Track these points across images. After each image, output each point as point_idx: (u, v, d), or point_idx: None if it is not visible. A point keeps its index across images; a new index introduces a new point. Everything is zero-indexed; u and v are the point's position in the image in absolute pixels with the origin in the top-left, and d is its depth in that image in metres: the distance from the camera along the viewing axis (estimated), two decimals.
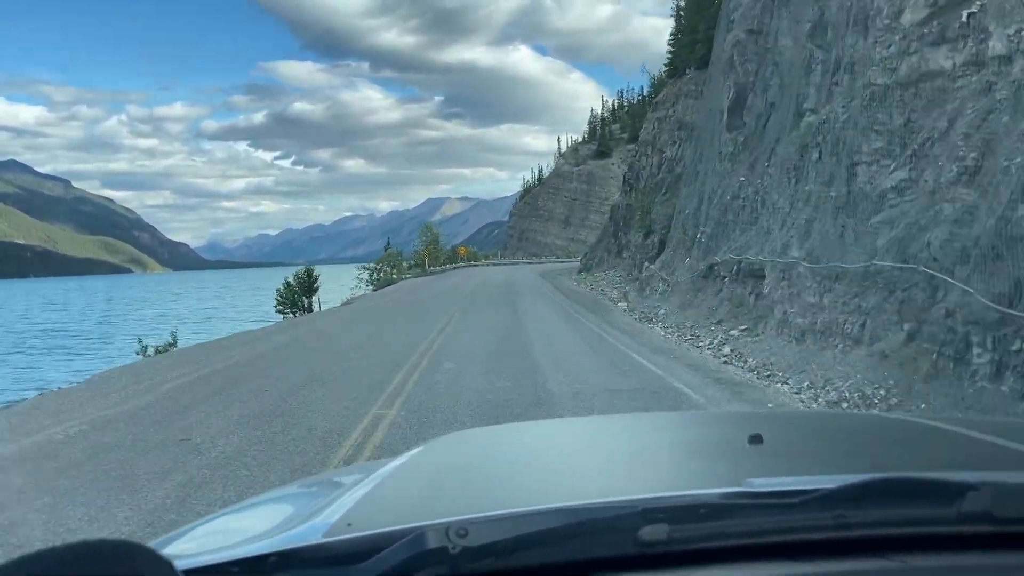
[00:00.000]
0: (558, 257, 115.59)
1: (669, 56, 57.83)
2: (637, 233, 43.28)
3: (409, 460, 1.74)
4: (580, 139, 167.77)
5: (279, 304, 32.48)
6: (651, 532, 1.01)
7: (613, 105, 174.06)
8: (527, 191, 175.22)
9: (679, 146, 43.75)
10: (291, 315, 31.45)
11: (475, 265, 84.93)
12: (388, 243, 55.72)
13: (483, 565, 0.99)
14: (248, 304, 70.14)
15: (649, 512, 1.05)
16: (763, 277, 13.16)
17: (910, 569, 1.01)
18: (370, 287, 46.94)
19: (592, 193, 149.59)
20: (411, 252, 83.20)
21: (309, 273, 33.78)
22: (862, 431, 2.06)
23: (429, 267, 62.44)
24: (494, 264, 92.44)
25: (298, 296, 32.53)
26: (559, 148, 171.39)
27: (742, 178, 15.36)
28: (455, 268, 75.17)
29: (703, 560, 1.02)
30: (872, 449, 1.77)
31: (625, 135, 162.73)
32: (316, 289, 33.79)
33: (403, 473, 1.61)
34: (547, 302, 26.22)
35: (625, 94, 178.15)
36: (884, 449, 1.76)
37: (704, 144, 22.67)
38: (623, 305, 24.29)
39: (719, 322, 14.31)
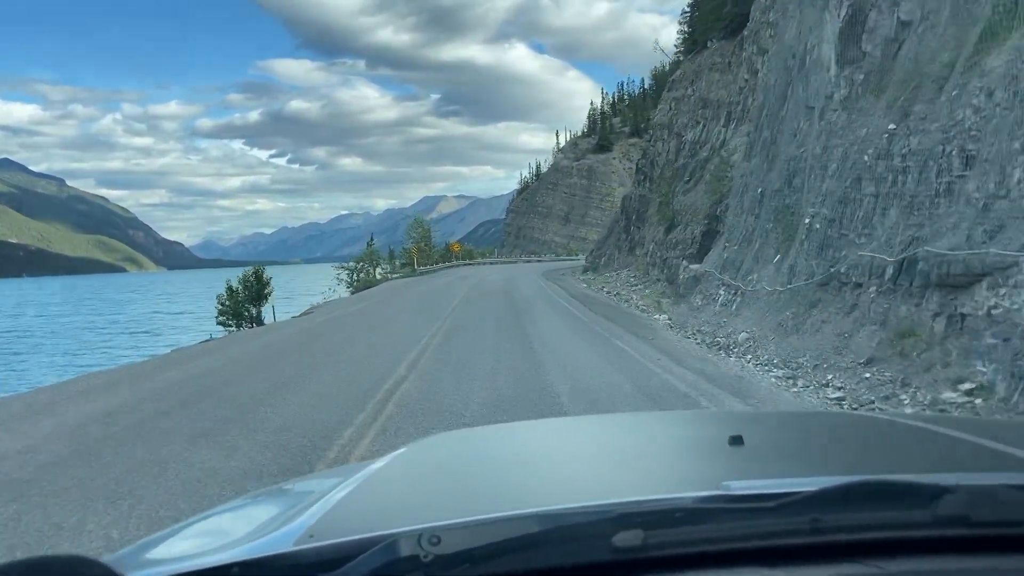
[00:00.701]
0: (557, 255, 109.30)
1: (687, 32, 51.80)
2: (656, 227, 37.36)
3: (387, 464, 1.71)
4: (580, 133, 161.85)
5: (221, 315, 26.35)
6: (625, 538, 1.00)
7: (613, 98, 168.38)
8: (525, 187, 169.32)
9: (703, 127, 37.77)
10: (234, 328, 25.28)
11: (470, 264, 78.95)
12: (371, 240, 49.52)
13: (457, 572, 0.97)
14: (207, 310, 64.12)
15: (624, 517, 1.04)
16: (969, 286, 7.31)
17: (885, 574, 0.99)
18: (349, 289, 41.24)
19: (593, 188, 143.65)
20: (402, 250, 77.38)
21: (259, 276, 27.35)
22: (845, 431, 2.07)
23: (418, 267, 56.48)
24: (491, 263, 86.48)
25: (242, 305, 26.29)
26: (557, 142, 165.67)
27: (891, 126, 9.45)
28: (448, 267, 69.22)
29: (678, 566, 1.01)
30: (852, 450, 1.77)
31: (627, 128, 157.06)
32: (267, 296, 27.54)
33: (380, 478, 1.58)
34: (562, 314, 20.15)
35: (625, 87, 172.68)
36: (864, 450, 1.76)
37: (775, 102, 16.68)
38: (661, 318, 18.37)
39: (868, 362, 8.46)
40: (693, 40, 47.57)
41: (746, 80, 29.44)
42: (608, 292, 31.44)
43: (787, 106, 15.38)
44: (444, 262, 73.67)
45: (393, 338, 15.43)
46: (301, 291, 54.76)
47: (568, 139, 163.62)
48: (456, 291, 31.98)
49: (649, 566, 1.01)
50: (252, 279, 26.99)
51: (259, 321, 25.98)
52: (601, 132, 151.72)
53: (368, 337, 16.20)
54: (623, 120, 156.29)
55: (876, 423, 2.27)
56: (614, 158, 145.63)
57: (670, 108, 45.15)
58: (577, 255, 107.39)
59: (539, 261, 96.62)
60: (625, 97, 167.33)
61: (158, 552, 1.34)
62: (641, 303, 24.18)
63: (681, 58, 52.67)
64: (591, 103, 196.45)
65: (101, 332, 44.79)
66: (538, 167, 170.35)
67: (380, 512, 1.36)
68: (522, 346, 13.03)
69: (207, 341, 19.57)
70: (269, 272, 29.28)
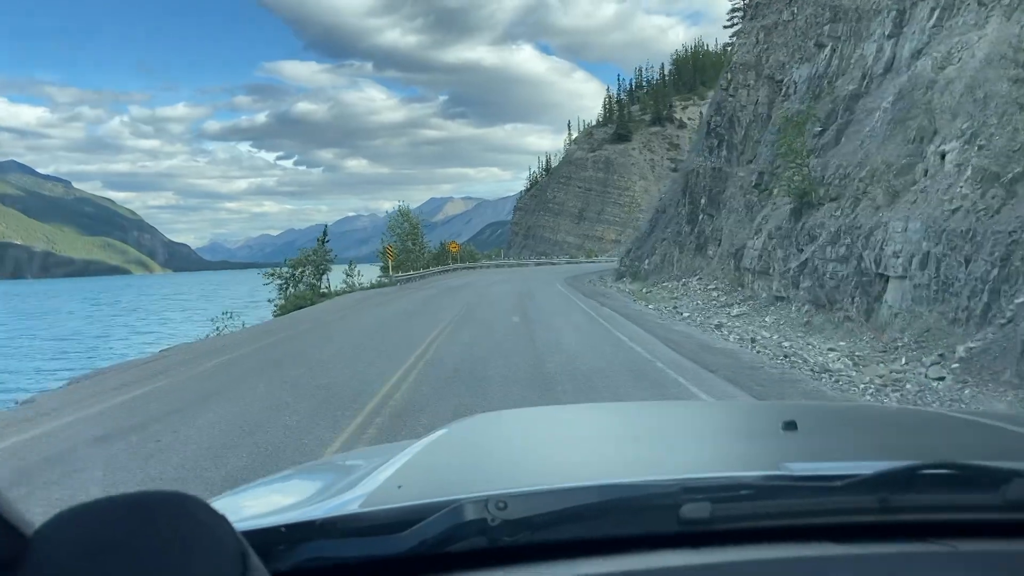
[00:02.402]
0: (572, 257, 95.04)
1: None
2: (765, 211, 23.18)
3: (439, 438, 1.71)
4: (594, 122, 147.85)
5: None
6: (693, 510, 1.01)
7: (631, 85, 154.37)
8: (534, 183, 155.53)
9: (834, 50, 23.56)
10: None
11: (472, 268, 64.97)
12: (324, 235, 35.08)
13: (522, 538, 0.99)
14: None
15: (690, 491, 1.04)
16: None
17: (958, 554, 0.99)
18: (275, 310, 27.51)
19: (610, 182, 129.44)
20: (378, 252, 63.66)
21: None
22: (898, 422, 2.05)
23: (395, 272, 42.40)
24: (496, 266, 72.51)
25: None
26: (569, 133, 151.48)
27: None
28: (444, 272, 55.20)
29: (744, 540, 1.01)
30: (910, 439, 1.75)
31: (647, 116, 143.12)
32: None
33: (436, 450, 1.59)
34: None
35: (644, 73, 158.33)
36: (923, 439, 1.74)
37: None
38: None
39: None
40: None
41: None
42: (701, 323, 17.26)
43: None
44: (440, 264, 59.89)
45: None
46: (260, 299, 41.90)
47: (582, 128, 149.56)
48: (421, 327, 17.67)
49: (715, 539, 1.01)
50: None
51: None
52: (619, 120, 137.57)
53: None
54: (643, 108, 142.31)
55: (928, 416, 2.36)
56: (634, 148, 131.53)
57: (756, 42, 30.82)
58: (596, 257, 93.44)
59: (551, 263, 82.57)
60: (644, 84, 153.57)
61: (241, 507, 1.37)
62: (838, 360, 10.20)
63: None
64: (607, 88, 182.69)
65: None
66: (548, 160, 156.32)
67: (444, 480, 1.35)
68: None
69: None
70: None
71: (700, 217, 30.85)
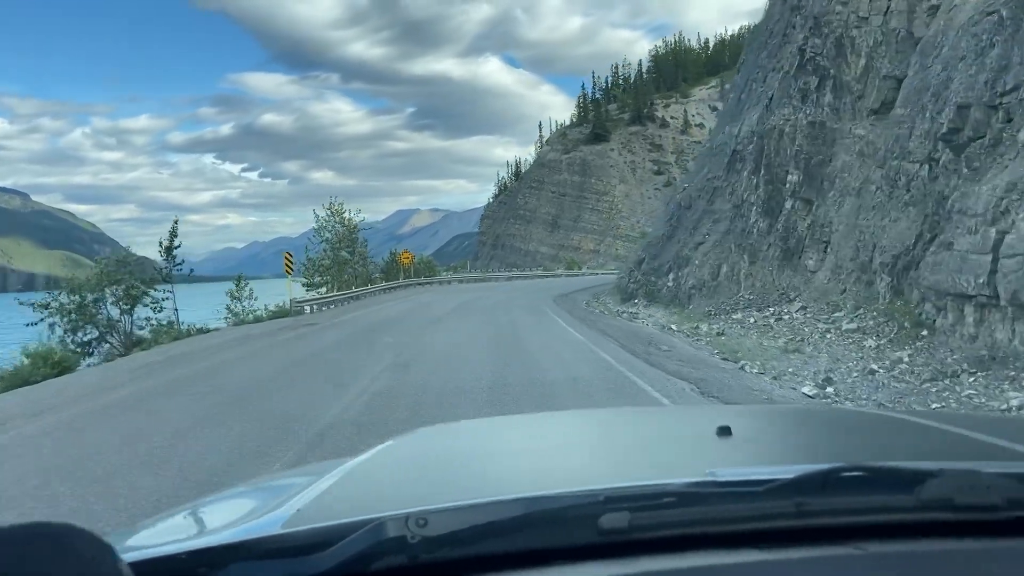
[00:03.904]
0: (547, 269, 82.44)
1: None
2: (990, 180, 10.65)
3: (374, 455, 1.71)
4: (568, 122, 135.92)
5: None
6: (612, 520, 1.01)
7: (607, 83, 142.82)
8: (503, 188, 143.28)
9: None
10: None
11: (427, 283, 52.41)
12: (173, 235, 22.58)
13: (442, 554, 0.99)
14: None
15: (612, 501, 1.04)
16: None
17: (868, 555, 1.01)
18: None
19: (587, 186, 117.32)
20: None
21: None
22: (833, 424, 2.05)
23: (310, 293, 29.80)
24: (460, 282, 60.02)
25: None
26: (541, 134, 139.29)
27: None
28: (389, 290, 42.70)
29: (666, 548, 1.01)
30: (839, 440, 1.77)
31: (625, 115, 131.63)
32: None
33: (366, 467, 1.59)
34: None
35: (621, 70, 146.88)
36: (851, 440, 1.76)
37: None
38: None
39: None
40: None
41: None
42: None
43: None
44: (389, 279, 47.40)
45: None
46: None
47: (555, 129, 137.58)
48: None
49: (637, 549, 1.01)
50: None
51: None
52: (596, 120, 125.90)
53: None
54: (621, 106, 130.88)
55: (864, 416, 2.33)
56: (612, 150, 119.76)
57: None
58: (579, 269, 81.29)
59: (523, 277, 70.30)
60: (620, 82, 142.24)
61: (149, 536, 1.34)
62: None
63: None
64: (582, 86, 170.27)
65: None
66: (518, 164, 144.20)
67: (367, 498, 1.36)
68: None
69: None
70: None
71: (789, 205, 18.76)
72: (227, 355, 13.95)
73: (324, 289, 39.30)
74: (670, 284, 27.33)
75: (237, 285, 26.87)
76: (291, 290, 26.53)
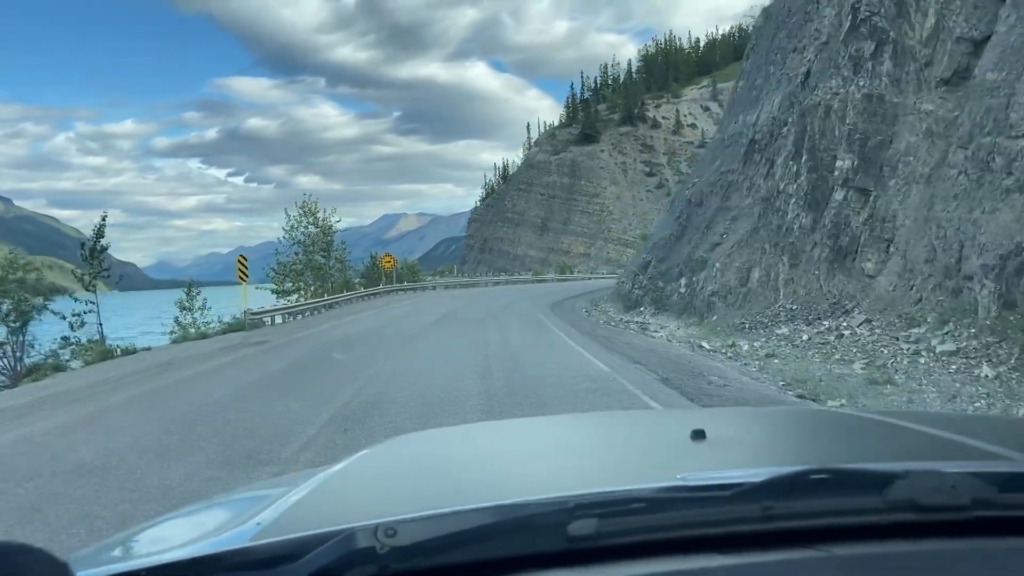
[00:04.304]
0: (537, 273, 78.99)
1: None
2: None
3: (347, 465, 1.69)
4: (556, 122, 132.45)
5: None
6: (579, 527, 1.01)
7: (596, 83, 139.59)
8: (490, 191, 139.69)
9: None
10: None
11: (410, 289, 48.97)
12: (98, 234, 19.13)
13: (412, 564, 0.98)
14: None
15: (580, 508, 1.03)
16: None
17: (834, 558, 1.01)
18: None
19: (576, 188, 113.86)
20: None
21: None
22: (806, 425, 2.06)
23: (282, 299, 26.12)
24: (445, 287, 56.60)
25: None
26: (529, 135, 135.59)
27: None
28: (367, 297, 39.39)
29: (635, 554, 1.02)
30: (811, 442, 1.78)
31: (616, 115, 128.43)
32: None
33: (338, 478, 1.58)
34: None
35: (610, 69, 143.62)
36: (822, 441, 1.77)
37: None
38: None
39: None
40: None
41: None
42: None
43: None
44: (371, 284, 43.96)
45: None
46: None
47: (544, 130, 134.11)
48: None
49: (607, 555, 1.01)
50: None
51: None
52: (585, 120, 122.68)
53: None
54: (611, 106, 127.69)
55: (842, 417, 2.27)
56: (602, 150, 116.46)
57: None
58: (571, 272, 77.83)
59: (511, 281, 67.06)
60: (609, 82, 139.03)
61: (114, 553, 1.33)
62: None
63: None
64: (571, 85, 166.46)
65: None
66: (505, 167, 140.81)
67: (337, 509, 1.34)
68: None
69: None
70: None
71: (840, 196, 15.55)
72: (112, 399, 10.39)
73: (296, 297, 35.90)
74: (682, 290, 24.12)
75: (188, 294, 23.38)
76: (246, 299, 22.85)
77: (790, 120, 18.48)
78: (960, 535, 1.05)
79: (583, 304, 32.39)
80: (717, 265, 20.49)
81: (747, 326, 16.11)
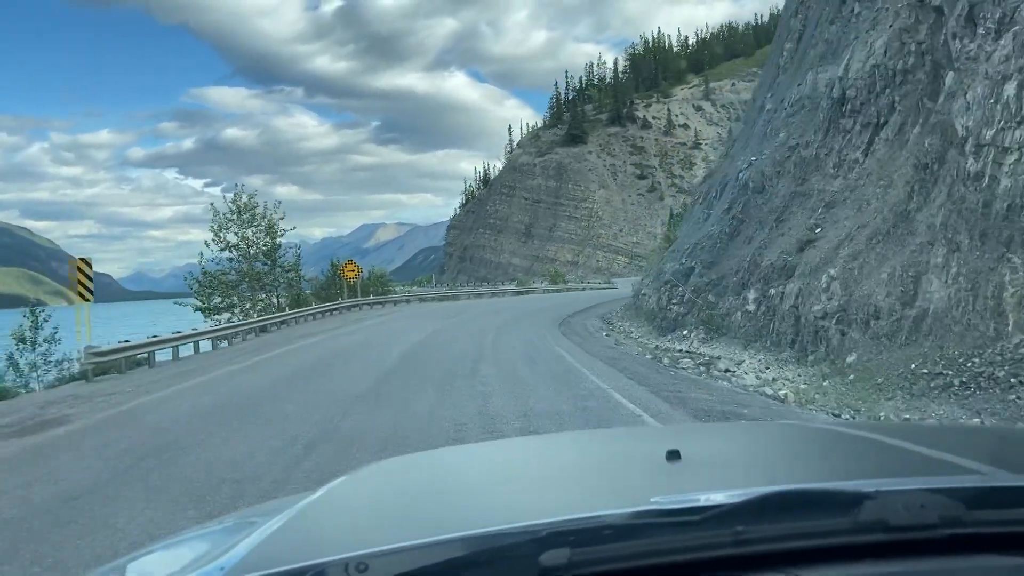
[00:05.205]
0: (521, 284, 71.61)
1: None
2: None
3: (322, 495, 1.68)
4: (540, 123, 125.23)
5: None
6: (551, 557, 1.00)
7: (581, 82, 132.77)
8: (471, 196, 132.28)
9: None
10: None
11: (376, 303, 41.48)
12: None
13: None
14: None
15: (552, 536, 1.03)
16: None
17: None
18: None
19: (563, 192, 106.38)
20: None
21: None
22: (780, 442, 2.04)
23: (91, 360, 18.75)
24: (420, 300, 49.09)
25: None
26: (511, 138, 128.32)
27: None
28: (318, 315, 32.05)
29: None
30: (785, 460, 1.78)
31: (604, 115, 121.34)
32: None
33: (313, 509, 1.56)
34: None
35: (595, 68, 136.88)
36: (797, 460, 1.78)
37: None
38: None
39: None
40: None
41: None
42: None
43: None
44: (329, 299, 36.56)
45: None
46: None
47: (527, 131, 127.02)
48: None
49: None
50: None
51: None
52: (571, 120, 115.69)
53: None
54: (598, 106, 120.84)
55: (817, 433, 2.26)
56: (590, 152, 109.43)
57: None
58: (563, 282, 70.68)
59: (496, 293, 59.79)
60: (596, 81, 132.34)
61: None
62: None
63: None
64: (555, 84, 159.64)
65: None
66: (487, 171, 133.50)
67: (310, 543, 1.33)
68: None
69: None
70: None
71: None
72: None
73: (228, 316, 28.40)
74: (750, 307, 16.93)
75: (32, 317, 15.82)
76: (89, 329, 15.07)
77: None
78: (929, 554, 1.03)
79: (595, 323, 25.12)
80: (831, 272, 13.26)
81: (947, 381, 8.84)
